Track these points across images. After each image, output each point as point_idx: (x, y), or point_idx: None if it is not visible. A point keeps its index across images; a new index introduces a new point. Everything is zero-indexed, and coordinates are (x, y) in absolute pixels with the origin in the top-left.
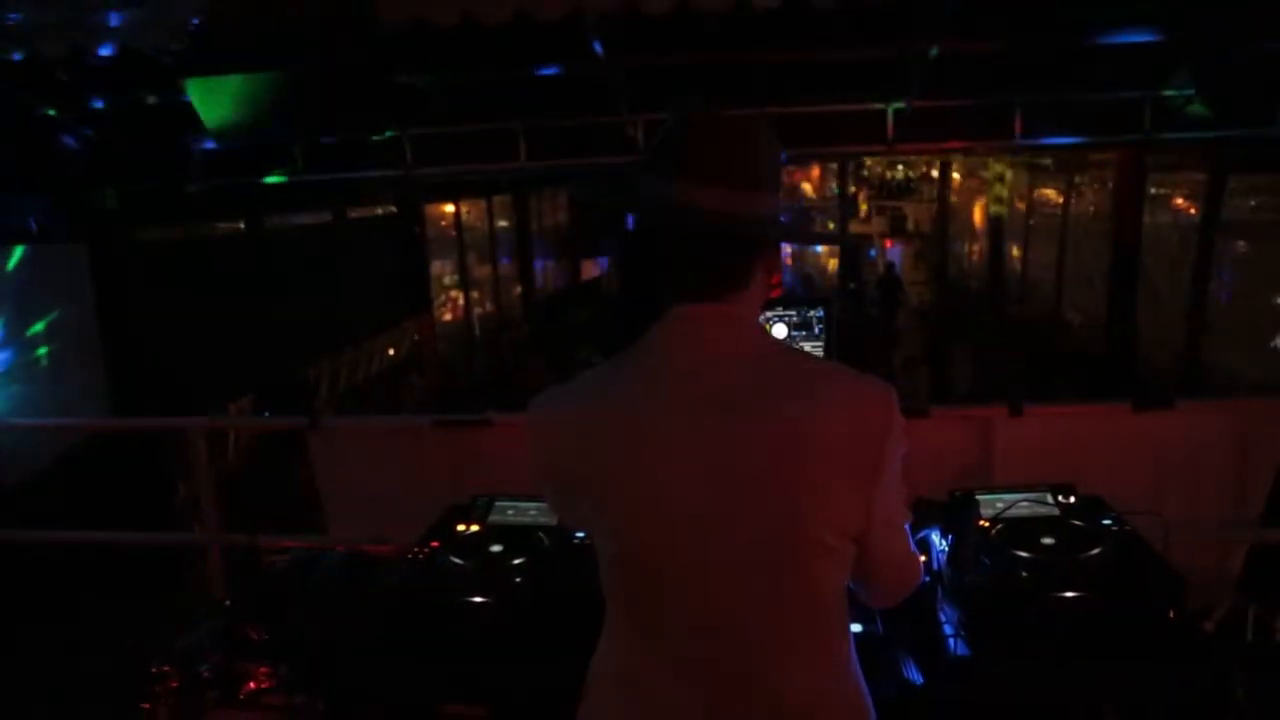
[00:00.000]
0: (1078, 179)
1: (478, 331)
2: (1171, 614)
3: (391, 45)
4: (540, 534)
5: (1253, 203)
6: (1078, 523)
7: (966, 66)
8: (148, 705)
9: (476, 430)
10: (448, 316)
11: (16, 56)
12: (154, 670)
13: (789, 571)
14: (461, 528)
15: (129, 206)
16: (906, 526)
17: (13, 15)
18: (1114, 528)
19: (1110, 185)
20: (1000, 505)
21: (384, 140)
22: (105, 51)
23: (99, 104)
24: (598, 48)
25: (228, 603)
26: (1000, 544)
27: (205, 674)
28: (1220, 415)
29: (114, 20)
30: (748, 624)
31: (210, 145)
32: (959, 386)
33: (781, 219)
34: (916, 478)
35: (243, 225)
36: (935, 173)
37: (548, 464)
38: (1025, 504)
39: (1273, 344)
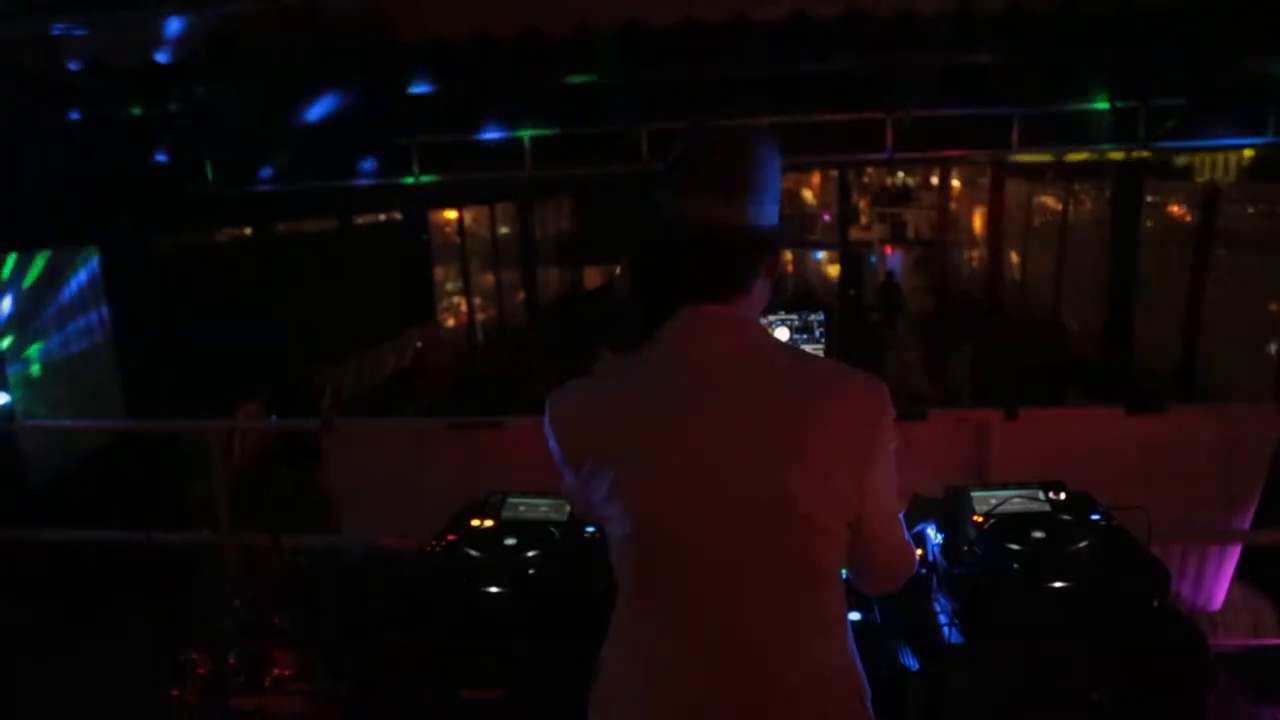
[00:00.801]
0: (1077, 186)
1: (480, 337)
2: (1155, 603)
3: (407, 59)
4: (552, 528)
5: (1250, 210)
6: (1066, 517)
7: (965, 78)
8: (177, 691)
9: (487, 433)
10: (451, 322)
11: (38, 65)
12: (183, 658)
13: (786, 551)
14: (476, 523)
15: (142, 213)
16: (900, 517)
17: (57, 27)
18: (1101, 522)
19: (1108, 193)
20: (993, 501)
21: (390, 148)
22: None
23: (121, 111)
24: (604, 60)
25: (236, 602)
26: (992, 537)
27: (232, 661)
28: (1210, 419)
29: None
30: (749, 600)
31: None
32: (958, 392)
33: (783, 225)
34: (914, 477)
35: (250, 232)
36: (935, 180)
37: (568, 449)
38: (1017, 500)
39: (1268, 349)
